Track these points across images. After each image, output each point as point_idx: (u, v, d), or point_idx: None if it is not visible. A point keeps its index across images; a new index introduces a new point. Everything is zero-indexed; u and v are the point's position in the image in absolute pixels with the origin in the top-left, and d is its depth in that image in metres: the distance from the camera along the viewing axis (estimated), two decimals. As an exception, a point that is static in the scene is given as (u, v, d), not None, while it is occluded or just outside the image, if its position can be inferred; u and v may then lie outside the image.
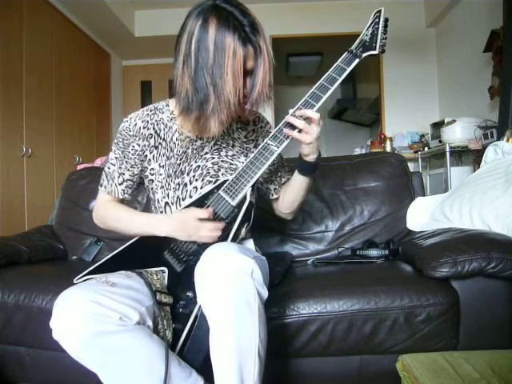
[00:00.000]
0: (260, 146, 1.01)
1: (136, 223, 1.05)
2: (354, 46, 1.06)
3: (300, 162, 1.08)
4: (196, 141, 1.08)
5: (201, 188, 1.05)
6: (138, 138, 1.08)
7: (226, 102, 0.93)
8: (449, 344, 1.03)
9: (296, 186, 1.14)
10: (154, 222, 1.02)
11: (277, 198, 1.21)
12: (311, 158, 1.05)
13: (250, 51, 0.92)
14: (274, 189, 1.20)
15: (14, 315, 1.13)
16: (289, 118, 0.99)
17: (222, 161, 1.09)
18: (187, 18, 0.95)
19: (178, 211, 1.01)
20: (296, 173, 1.12)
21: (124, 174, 1.11)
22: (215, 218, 0.99)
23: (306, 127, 0.98)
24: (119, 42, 4.36)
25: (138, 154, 1.09)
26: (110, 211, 1.11)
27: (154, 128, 1.09)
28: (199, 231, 0.95)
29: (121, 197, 1.12)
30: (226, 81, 0.91)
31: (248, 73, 0.95)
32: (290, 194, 1.17)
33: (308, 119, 0.99)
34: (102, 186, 1.13)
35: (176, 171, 1.07)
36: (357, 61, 1.05)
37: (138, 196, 1.71)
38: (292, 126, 0.99)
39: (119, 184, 1.11)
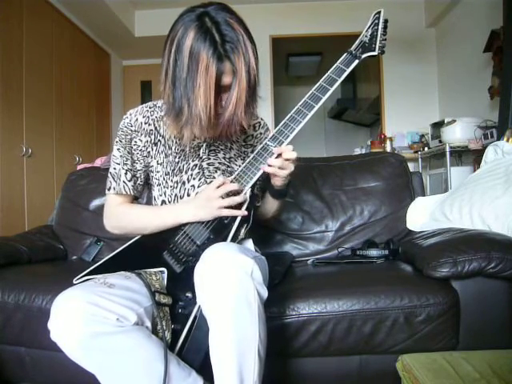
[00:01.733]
0: (259, 147, 1.01)
1: (159, 216, 1.03)
2: (353, 47, 1.06)
3: (271, 190, 1.11)
4: (193, 140, 1.08)
5: (198, 187, 1.05)
6: (140, 134, 1.08)
7: (197, 117, 0.92)
8: (449, 344, 1.03)
9: (268, 204, 1.17)
10: (178, 209, 1.01)
11: (258, 206, 1.21)
12: (283, 187, 1.07)
13: (226, 68, 0.90)
14: (262, 196, 1.20)
15: (14, 315, 1.13)
16: (269, 161, 0.98)
17: (220, 163, 1.09)
18: (174, 23, 0.94)
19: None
20: (267, 194, 1.14)
21: (130, 170, 1.09)
22: (215, 218, 0.99)
23: (283, 164, 0.98)
24: (119, 42, 4.36)
25: (141, 150, 1.09)
26: (125, 214, 1.08)
27: (154, 124, 1.10)
28: (218, 201, 0.95)
29: (132, 193, 1.09)
30: (198, 96, 0.90)
31: (226, 88, 0.94)
32: (264, 207, 1.19)
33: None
34: (109, 189, 1.09)
35: (174, 169, 1.07)
36: (356, 62, 1.05)
37: (138, 196, 1.71)
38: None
39: (128, 181, 1.08)
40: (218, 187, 0.97)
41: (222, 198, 0.97)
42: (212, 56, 0.88)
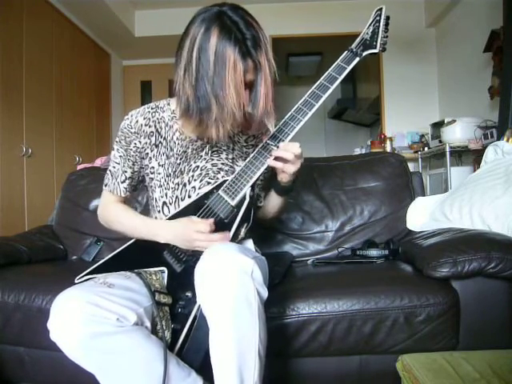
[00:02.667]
0: (259, 146, 1.01)
1: (136, 228, 1.05)
2: (354, 45, 1.06)
3: (276, 186, 1.10)
4: (196, 141, 1.08)
5: (199, 188, 1.05)
6: (139, 136, 1.08)
7: (230, 113, 0.92)
8: (449, 344, 1.03)
9: (272, 201, 1.17)
10: (155, 229, 1.02)
11: (261, 206, 1.21)
12: (289, 183, 1.07)
13: (249, 65, 0.91)
14: (264, 196, 1.20)
15: (14, 315, 1.13)
16: (277, 152, 0.98)
17: (223, 163, 1.09)
18: (191, 22, 0.94)
19: (180, 220, 0.99)
20: (272, 191, 1.14)
21: (126, 171, 1.11)
22: (215, 218, 0.99)
23: (293, 159, 0.98)
24: (119, 42, 4.36)
25: (139, 152, 1.09)
26: (112, 214, 1.11)
27: (155, 126, 1.10)
28: (197, 242, 0.95)
29: (123, 195, 1.13)
30: (228, 93, 0.90)
31: (247, 86, 0.94)
32: (268, 205, 1.19)
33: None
34: (106, 185, 1.13)
35: (175, 171, 1.07)
36: (357, 59, 1.04)
37: (138, 196, 1.71)
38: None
39: (121, 182, 1.11)
40: (202, 232, 0.94)
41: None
42: (238, 53, 0.89)
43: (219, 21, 0.90)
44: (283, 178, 1.04)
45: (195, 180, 1.06)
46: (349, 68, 1.03)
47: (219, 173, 1.07)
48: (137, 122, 1.09)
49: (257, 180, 1.01)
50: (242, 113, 0.94)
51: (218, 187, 1.01)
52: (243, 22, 0.91)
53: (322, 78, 1.03)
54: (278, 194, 1.13)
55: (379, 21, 1.05)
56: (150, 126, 1.09)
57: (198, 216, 1.00)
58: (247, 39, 0.90)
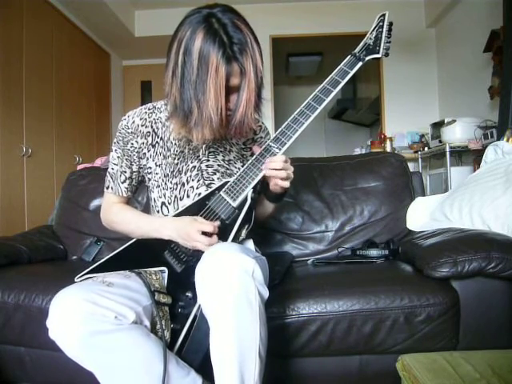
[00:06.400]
0: (262, 148, 1.01)
1: (140, 227, 1.05)
2: (357, 50, 1.07)
3: (268, 194, 1.08)
4: (192, 141, 1.08)
5: (197, 188, 1.05)
6: (136, 136, 1.09)
7: (207, 118, 0.92)
8: (449, 344, 1.03)
9: (263, 207, 1.16)
10: (158, 227, 1.02)
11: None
12: (282, 191, 1.05)
13: (234, 69, 0.91)
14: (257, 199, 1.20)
15: (14, 315, 1.13)
16: (270, 172, 0.97)
17: (219, 165, 1.09)
18: (180, 24, 0.94)
19: (184, 218, 0.99)
20: (263, 196, 1.13)
21: (125, 171, 1.11)
22: (216, 219, 0.99)
23: (289, 174, 0.97)
24: (119, 42, 4.36)
25: (137, 152, 1.09)
26: (117, 215, 1.11)
27: (151, 126, 1.10)
28: (197, 244, 0.93)
29: (124, 195, 1.13)
30: (209, 98, 0.90)
31: (233, 89, 0.94)
32: (259, 208, 1.17)
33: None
34: (107, 188, 1.13)
35: (173, 171, 1.07)
36: (360, 64, 1.05)
37: (138, 196, 1.71)
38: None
39: (122, 183, 1.11)
40: (205, 232, 0.93)
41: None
42: (221, 57, 0.88)
43: (206, 23, 0.89)
44: (276, 190, 1.03)
45: (193, 180, 1.06)
46: (352, 72, 1.04)
47: (215, 174, 1.07)
48: (133, 122, 1.09)
49: (258, 182, 1.01)
50: (220, 118, 0.93)
51: (219, 188, 1.01)
52: (232, 25, 0.90)
53: (324, 82, 1.04)
54: (270, 200, 1.12)
55: (382, 26, 1.07)
56: (146, 127, 1.09)
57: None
58: (234, 43, 0.89)
